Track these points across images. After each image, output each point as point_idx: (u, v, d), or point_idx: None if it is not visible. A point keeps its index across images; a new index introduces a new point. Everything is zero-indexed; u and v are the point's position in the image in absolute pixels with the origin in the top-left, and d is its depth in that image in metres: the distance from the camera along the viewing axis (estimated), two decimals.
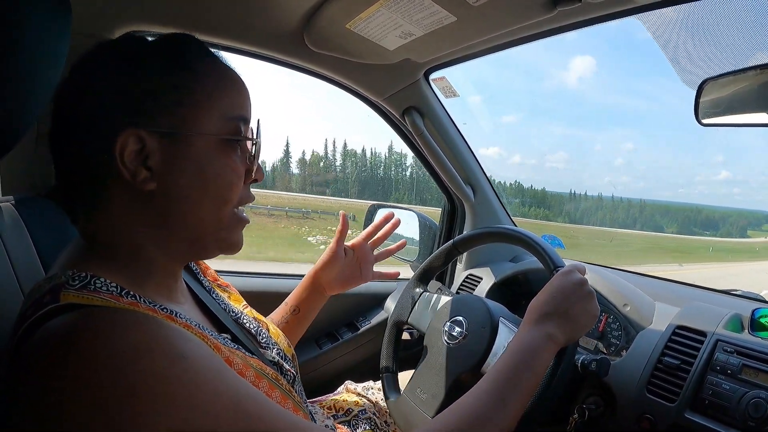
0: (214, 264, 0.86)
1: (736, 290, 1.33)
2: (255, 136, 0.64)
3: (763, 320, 0.98)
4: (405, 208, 1.74)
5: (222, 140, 0.59)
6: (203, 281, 0.79)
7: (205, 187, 0.58)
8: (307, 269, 1.05)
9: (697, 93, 0.91)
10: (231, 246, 0.64)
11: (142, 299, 0.54)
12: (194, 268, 0.79)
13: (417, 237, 1.67)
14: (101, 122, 0.55)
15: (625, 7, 0.86)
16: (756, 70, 0.83)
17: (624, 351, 1.08)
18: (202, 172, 0.58)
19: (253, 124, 0.65)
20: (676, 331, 1.00)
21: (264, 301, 1.00)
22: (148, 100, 0.55)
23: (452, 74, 1.32)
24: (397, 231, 1.73)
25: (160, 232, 0.59)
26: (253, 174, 0.65)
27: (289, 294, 1.03)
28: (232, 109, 0.60)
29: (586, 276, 0.82)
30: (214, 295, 0.77)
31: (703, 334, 0.96)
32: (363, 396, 1.12)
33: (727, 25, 0.94)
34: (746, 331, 0.99)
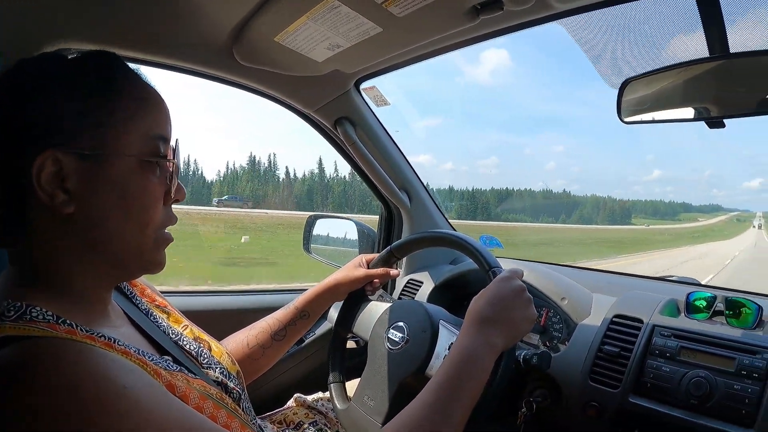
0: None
1: (671, 276, 1.42)
2: (173, 156, 0.64)
3: (697, 303, 1.04)
4: (343, 218, 1.75)
5: (141, 161, 0.58)
6: (139, 303, 0.76)
7: (126, 208, 0.58)
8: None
9: (619, 92, 0.94)
10: (154, 266, 0.64)
11: (78, 327, 0.52)
12: (128, 291, 0.76)
13: (356, 245, 1.68)
14: (18, 143, 0.53)
15: (546, 13, 0.90)
16: (678, 68, 0.86)
17: (566, 343, 1.12)
18: (123, 194, 0.57)
19: (173, 144, 0.64)
20: (614, 320, 1.04)
21: (207, 320, 0.97)
22: (67, 121, 0.54)
23: (383, 83, 1.35)
24: (336, 239, 1.73)
25: (85, 255, 0.57)
26: (173, 194, 0.64)
27: (234, 311, 1.02)
28: (151, 129, 0.60)
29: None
30: (152, 318, 0.74)
31: (639, 320, 1.01)
32: (313, 408, 1.12)
33: (648, 25, 0.98)
34: (682, 314, 1.04)
